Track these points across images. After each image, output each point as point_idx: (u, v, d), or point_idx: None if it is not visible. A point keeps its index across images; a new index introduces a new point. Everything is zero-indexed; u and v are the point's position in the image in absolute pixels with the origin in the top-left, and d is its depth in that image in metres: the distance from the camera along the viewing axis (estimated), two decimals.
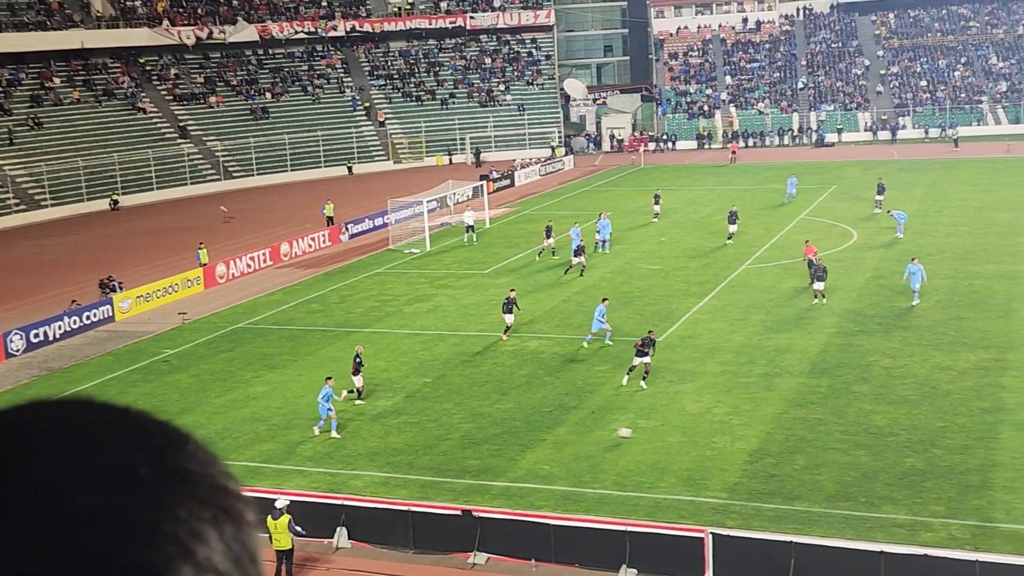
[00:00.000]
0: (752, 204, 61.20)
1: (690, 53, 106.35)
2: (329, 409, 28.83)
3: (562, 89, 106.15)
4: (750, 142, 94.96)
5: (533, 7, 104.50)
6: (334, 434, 28.90)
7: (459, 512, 23.26)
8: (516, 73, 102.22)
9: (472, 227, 55.72)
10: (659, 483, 24.94)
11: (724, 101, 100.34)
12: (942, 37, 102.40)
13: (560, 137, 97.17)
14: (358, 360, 31.71)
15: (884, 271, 43.51)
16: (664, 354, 34.48)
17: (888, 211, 52.64)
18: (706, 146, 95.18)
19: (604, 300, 36.30)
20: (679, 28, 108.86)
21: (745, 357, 33.76)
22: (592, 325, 35.76)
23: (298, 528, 22.12)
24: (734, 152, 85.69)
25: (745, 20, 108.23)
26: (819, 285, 39.55)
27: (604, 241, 51.13)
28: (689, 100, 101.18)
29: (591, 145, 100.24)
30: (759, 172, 76.40)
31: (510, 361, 34.81)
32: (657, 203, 59.20)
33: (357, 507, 24.01)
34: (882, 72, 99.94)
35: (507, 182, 76.84)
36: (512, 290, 38.58)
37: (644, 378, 31.33)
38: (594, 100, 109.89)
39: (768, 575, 20.80)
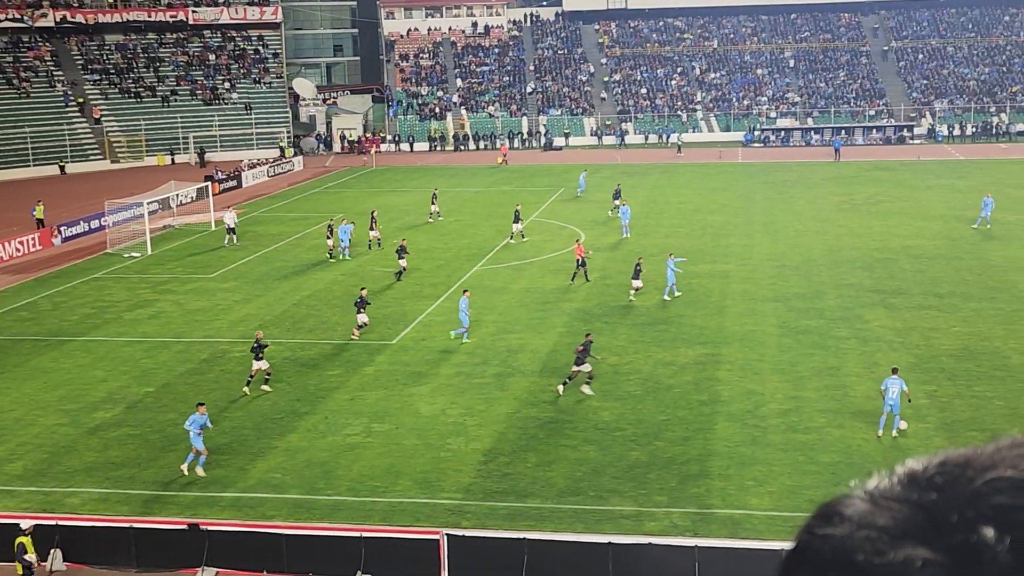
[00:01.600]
0: (485, 205, 62.11)
1: (421, 55, 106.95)
2: (198, 438, 25.57)
3: (291, 88, 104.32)
4: (481, 144, 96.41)
5: (259, 3, 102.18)
6: (199, 471, 25.57)
7: (185, 526, 22.27)
8: (242, 71, 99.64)
9: (233, 229, 53.80)
10: (394, 487, 24.74)
11: (455, 103, 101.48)
12: (660, 47, 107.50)
13: (289, 137, 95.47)
14: (258, 344, 31.25)
15: (611, 271, 45.04)
16: (397, 356, 34.36)
17: (615, 207, 54.79)
18: (438, 148, 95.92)
19: (465, 292, 36.88)
20: (409, 30, 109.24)
21: (478, 358, 34.08)
22: (461, 319, 35.72)
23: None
24: (504, 154, 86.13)
25: (475, 24, 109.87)
26: (636, 283, 40.53)
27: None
28: (421, 102, 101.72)
29: (321, 146, 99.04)
30: (490, 175, 77.63)
31: (239, 368, 33.71)
32: (434, 203, 59.27)
33: (73, 527, 22.55)
34: (605, 79, 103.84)
35: (234, 183, 74.72)
36: (363, 288, 38.48)
37: (588, 383, 30.31)
38: (324, 100, 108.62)
39: (503, 573, 21.00)
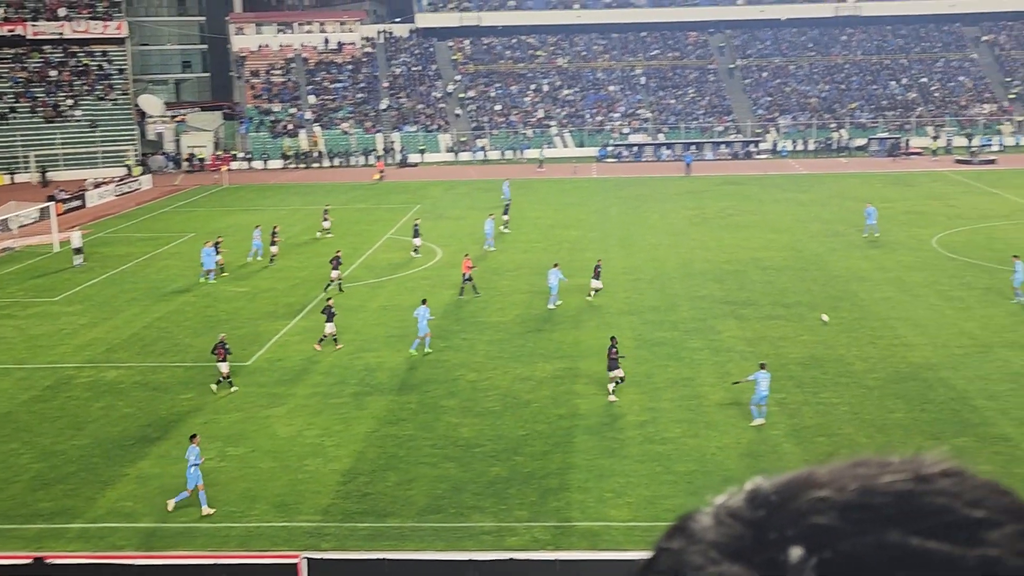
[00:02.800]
0: (342, 223, 61.48)
1: (272, 71, 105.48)
2: (194, 471, 24.31)
3: (137, 105, 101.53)
4: (336, 161, 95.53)
5: (103, 18, 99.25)
6: (206, 509, 24.19)
7: (29, 560, 21.32)
8: (86, 87, 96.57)
9: (80, 249, 52.05)
10: (250, 511, 24.20)
11: (309, 121, 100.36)
12: (513, 64, 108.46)
13: (137, 155, 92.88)
14: (224, 347, 32.28)
15: (467, 288, 45.00)
16: (253, 378, 33.70)
17: (504, 217, 55.64)
18: (292, 166, 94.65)
19: (424, 301, 37.05)
20: (261, 46, 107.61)
21: (336, 377, 33.66)
22: (419, 328, 35.73)
23: None
24: (381, 170, 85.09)
25: (327, 40, 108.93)
26: (596, 283, 42.55)
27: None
28: (273, 119, 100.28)
29: (170, 164, 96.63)
30: (345, 192, 76.95)
31: (86, 394, 32.55)
32: (326, 219, 59.05)
33: None
34: (460, 96, 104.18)
35: (79, 203, 72.27)
36: (330, 299, 39.02)
37: (617, 384, 31.06)
38: (173, 117, 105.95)
39: None
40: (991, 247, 49.15)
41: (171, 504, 24.39)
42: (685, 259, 50.20)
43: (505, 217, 59.60)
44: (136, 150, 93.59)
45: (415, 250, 52.63)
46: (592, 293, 42.60)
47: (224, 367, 32.28)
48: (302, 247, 55.23)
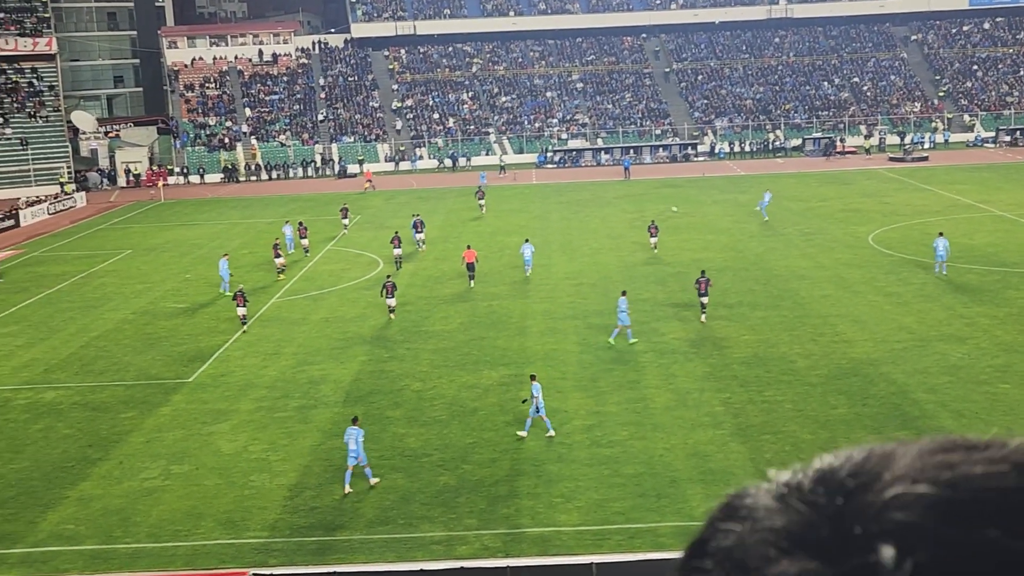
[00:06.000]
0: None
1: (207, 84, 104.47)
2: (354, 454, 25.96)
3: (70, 122, 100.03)
4: (274, 174, 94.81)
5: (32, 34, 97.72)
6: (372, 480, 26.05)
7: None
8: (16, 105, 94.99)
9: None
10: (196, 529, 23.88)
11: (245, 133, 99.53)
12: (450, 72, 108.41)
13: (70, 173, 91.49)
14: (242, 295, 40.67)
15: (410, 296, 44.87)
16: (195, 394, 33.30)
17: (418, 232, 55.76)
18: (234, 179, 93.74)
19: (624, 293, 38.48)
20: (194, 59, 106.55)
21: (280, 391, 33.36)
22: (618, 319, 36.73)
23: None
24: (369, 180, 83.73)
25: (261, 52, 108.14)
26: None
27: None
28: (209, 132, 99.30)
29: (105, 180, 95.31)
30: (283, 204, 76.36)
31: (23, 416, 31.95)
32: (345, 216, 62.89)
33: None
34: (397, 105, 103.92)
35: (11, 222, 71.03)
36: (389, 276, 43.74)
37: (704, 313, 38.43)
38: (106, 133, 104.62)
39: None
40: (926, 243, 49.91)
41: (373, 480, 25.83)
42: (627, 262, 50.44)
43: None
44: (69, 167, 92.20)
45: (420, 243, 55.67)
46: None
47: (241, 311, 40.31)
48: (241, 260, 54.60)
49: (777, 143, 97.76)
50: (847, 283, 44.44)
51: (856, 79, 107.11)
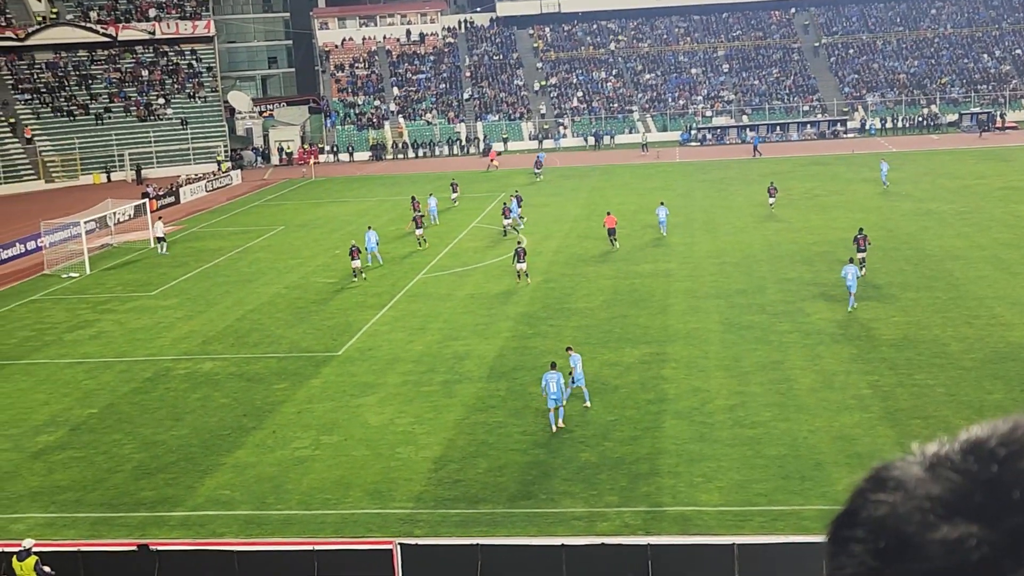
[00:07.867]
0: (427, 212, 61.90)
1: (356, 64, 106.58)
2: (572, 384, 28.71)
3: (226, 102, 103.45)
4: (420, 152, 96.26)
5: (191, 17, 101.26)
6: (587, 403, 28.99)
7: (135, 547, 21.99)
8: (176, 86, 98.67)
9: (163, 238, 55.64)
10: (345, 498, 24.62)
11: (393, 112, 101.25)
12: (594, 50, 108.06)
13: (226, 151, 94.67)
14: (356, 248, 45.36)
15: (553, 274, 45.17)
16: (344, 367, 34.22)
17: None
18: (381, 157, 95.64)
19: (851, 260, 39.33)
20: (344, 40, 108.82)
21: (425, 366, 34.02)
22: (849, 286, 37.17)
23: (46, 569, 20.57)
24: (493, 160, 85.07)
25: (409, 32, 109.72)
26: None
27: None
28: (358, 111, 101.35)
29: (259, 159, 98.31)
30: (430, 183, 77.45)
31: (183, 385, 33.39)
32: (455, 191, 66.03)
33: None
34: (541, 83, 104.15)
35: (172, 199, 73.97)
36: (519, 241, 45.54)
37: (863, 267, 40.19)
38: (260, 113, 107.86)
39: None
40: None
41: (589, 403, 28.93)
42: (771, 241, 49.65)
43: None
44: (226, 146, 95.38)
45: (516, 225, 55.66)
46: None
47: (356, 263, 45.04)
48: (390, 236, 55.69)
49: (932, 119, 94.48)
50: (1006, 264, 42.84)
51: (1019, 51, 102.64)
